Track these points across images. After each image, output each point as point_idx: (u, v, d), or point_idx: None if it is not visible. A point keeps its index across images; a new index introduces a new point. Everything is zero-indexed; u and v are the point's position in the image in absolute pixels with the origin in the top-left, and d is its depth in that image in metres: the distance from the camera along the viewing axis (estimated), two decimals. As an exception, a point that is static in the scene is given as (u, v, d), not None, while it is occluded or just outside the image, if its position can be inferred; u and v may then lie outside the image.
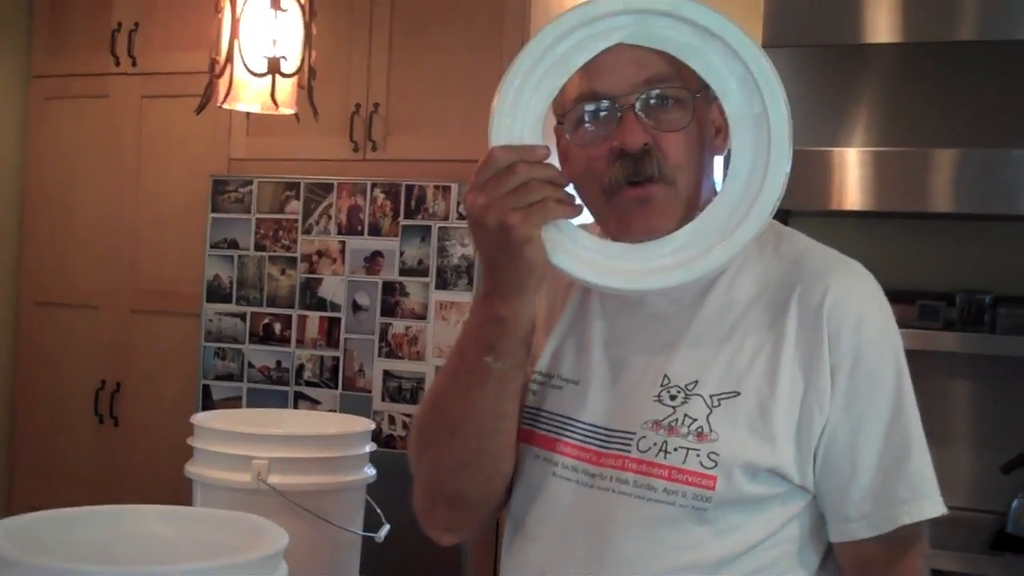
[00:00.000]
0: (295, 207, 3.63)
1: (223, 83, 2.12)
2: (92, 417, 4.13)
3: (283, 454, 2.15)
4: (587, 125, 1.43)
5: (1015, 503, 3.15)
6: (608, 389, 1.48)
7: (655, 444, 1.41)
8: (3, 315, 4.34)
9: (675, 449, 1.40)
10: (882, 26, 3.51)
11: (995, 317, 3.41)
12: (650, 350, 1.47)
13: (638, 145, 1.40)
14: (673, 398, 1.43)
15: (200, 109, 2.23)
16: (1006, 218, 3.40)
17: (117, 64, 4.09)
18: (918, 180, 3.22)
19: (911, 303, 3.45)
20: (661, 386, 1.44)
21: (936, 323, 3.43)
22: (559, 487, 1.48)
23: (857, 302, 1.43)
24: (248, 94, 2.14)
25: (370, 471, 2.34)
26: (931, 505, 1.44)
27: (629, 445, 1.43)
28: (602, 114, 1.42)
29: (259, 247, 3.68)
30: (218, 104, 2.19)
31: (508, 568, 1.56)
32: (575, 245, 1.39)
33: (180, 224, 3.99)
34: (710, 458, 1.39)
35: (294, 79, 2.14)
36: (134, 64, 4.08)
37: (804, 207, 3.36)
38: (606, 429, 1.46)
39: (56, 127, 4.26)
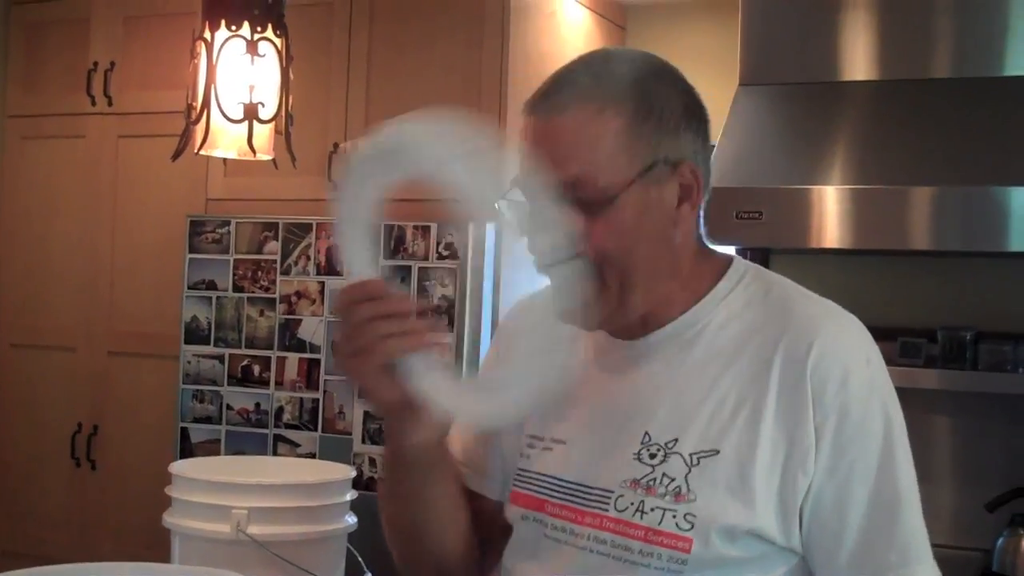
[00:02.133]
0: (274, 247, 3.61)
1: (199, 129, 2.10)
2: (69, 460, 4.08)
3: (263, 503, 2.12)
4: None
5: (1000, 540, 3.14)
6: (591, 447, 1.46)
7: (632, 504, 1.39)
8: (-22, 358, 4.29)
9: (652, 509, 1.38)
10: (858, 64, 3.52)
11: (976, 353, 3.41)
12: (634, 406, 1.45)
13: (544, 247, 1.38)
14: (652, 456, 1.40)
15: (176, 156, 2.21)
16: (987, 255, 3.41)
17: (93, 104, 4.08)
18: (897, 217, 3.23)
19: (892, 340, 3.44)
20: (641, 443, 1.41)
21: (918, 359, 3.43)
22: (547, 548, 1.47)
23: (844, 356, 1.39)
24: (225, 140, 2.13)
25: (351, 519, 2.31)
26: (922, 571, 1.38)
27: (607, 504, 1.41)
28: (515, 205, 1.40)
29: (237, 288, 3.66)
30: (195, 151, 2.18)
31: None
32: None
33: (157, 264, 3.96)
34: (686, 519, 1.36)
35: (271, 124, 2.12)
36: (110, 104, 4.06)
37: (784, 245, 3.36)
38: (586, 487, 1.44)
39: (32, 166, 4.23)
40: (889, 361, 3.75)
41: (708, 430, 1.38)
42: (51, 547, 3.96)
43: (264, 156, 2.18)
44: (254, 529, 2.04)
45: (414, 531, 1.55)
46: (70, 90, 4.11)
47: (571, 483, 1.46)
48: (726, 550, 1.35)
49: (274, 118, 2.11)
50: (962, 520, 3.47)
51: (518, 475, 1.53)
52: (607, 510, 1.41)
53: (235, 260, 3.67)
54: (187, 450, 3.68)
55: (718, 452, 1.37)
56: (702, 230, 1.49)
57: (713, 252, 1.51)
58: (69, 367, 4.12)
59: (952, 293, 3.58)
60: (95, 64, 4.06)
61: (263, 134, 2.11)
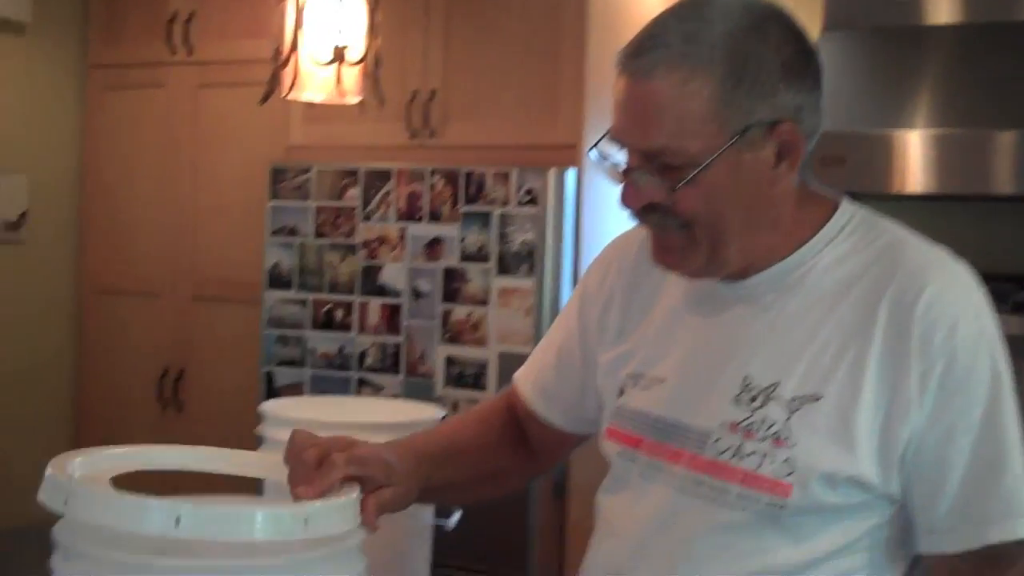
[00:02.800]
0: (354, 194, 3.64)
1: (288, 73, 2.11)
2: (155, 403, 4.17)
3: None
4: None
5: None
6: (690, 387, 1.46)
7: (730, 447, 1.39)
8: (66, 304, 4.38)
9: (750, 453, 1.37)
10: (942, 7, 3.48)
11: (1064, 299, 3.38)
12: (733, 348, 1.44)
13: (634, 208, 1.39)
14: (752, 400, 1.39)
15: (264, 100, 2.22)
16: (1073, 199, 3.36)
17: (173, 53, 4.12)
18: (981, 162, 3.20)
19: (977, 286, 3.42)
20: (741, 386, 1.41)
21: (1004, 306, 3.40)
22: (639, 485, 1.48)
23: (953, 305, 1.36)
24: (313, 84, 2.14)
25: (440, 459, 2.34)
26: None
27: (705, 445, 1.41)
28: (609, 162, 1.40)
29: (319, 234, 3.70)
30: (283, 95, 2.18)
31: (589, 560, 1.57)
32: None
33: (239, 212, 4.01)
34: (786, 465, 1.35)
35: (359, 68, 2.13)
36: (190, 53, 4.10)
37: (867, 190, 3.33)
38: (684, 427, 1.44)
39: (114, 117, 4.30)
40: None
41: (810, 375, 1.37)
42: (141, 488, 4.05)
43: (352, 99, 2.19)
44: None
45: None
46: (150, 40, 4.16)
47: (669, 422, 1.46)
48: (825, 496, 1.35)
49: (361, 60, 2.11)
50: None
51: (616, 412, 1.53)
52: (704, 451, 1.41)
53: (316, 207, 3.70)
54: (272, 393, 3.74)
55: (820, 398, 1.36)
56: (808, 174, 1.46)
57: (820, 194, 1.48)
58: (154, 313, 4.20)
59: (1039, 238, 3.54)
60: (175, 14, 4.10)
61: (352, 76, 2.12)
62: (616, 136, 1.39)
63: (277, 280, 3.76)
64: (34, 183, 4.27)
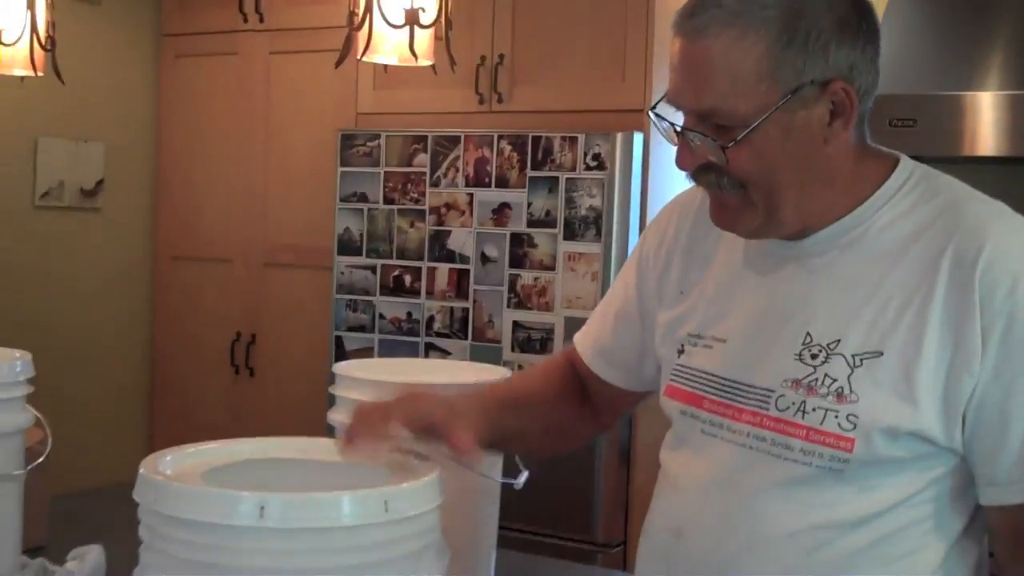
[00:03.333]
0: (423, 160, 3.67)
1: (362, 36, 2.14)
2: (228, 368, 4.24)
3: None
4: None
5: None
6: (751, 346, 1.48)
7: (793, 403, 1.41)
8: (141, 270, 4.47)
9: (813, 409, 1.39)
10: (1017, -35, 3.44)
11: None
12: (794, 306, 1.46)
13: (688, 169, 1.41)
14: (814, 357, 1.41)
15: (340, 62, 2.25)
16: None
17: (245, 21, 4.16)
18: (1055, 124, 3.16)
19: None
20: (802, 344, 1.43)
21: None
22: (701, 441, 1.51)
23: (1014, 262, 1.36)
24: (386, 46, 2.16)
25: (508, 420, 2.37)
26: None
27: (768, 403, 1.43)
28: (666, 122, 1.42)
29: (388, 200, 3.73)
30: (357, 57, 2.21)
31: (653, 514, 1.60)
32: None
33: (309, 179, 4.05)
34: (849, 420, 1.37)
35: (431, 30, 2.16)
36: (261, 20, 4.14)
37: (938, 153, 3.30)
38: (747, 385, 1.47)
39: (186, 84, 4.36)
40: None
41: (871, 332, 1.39)
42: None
43: (425, 62, 2.22)
44: None
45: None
46: (222, 8, 4.21)
47: (730, 380, 1.48)
48: (888, 450, 1.37)
49: (434, 23, 2.14)
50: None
51: (676, 370, 1.56)
52: (767, 409, 1.43)
53: (385, 173, 3.74)
54: (342, 357, 3.79)
55: (882, 354, 1.37)
56: (866, 132, 1.47)
57: (879, 152, 1.49)
58: (226, 279, 4.27)
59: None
60: (246, -19, 4.15)
61: (424, 39, 2.15)
62: (671, 98, 1.41)
63: (347, 246, 3.80)
64: (110, 151, 4.35)
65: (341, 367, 2.32)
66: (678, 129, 1.41)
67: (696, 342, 1.54)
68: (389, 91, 3.82)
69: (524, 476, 1.96)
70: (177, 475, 1.30)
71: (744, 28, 1.34)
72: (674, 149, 1.45)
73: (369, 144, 3.76)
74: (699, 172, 1.42)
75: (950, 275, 1.36)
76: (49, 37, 2.79)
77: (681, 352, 1.56)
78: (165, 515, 1.20)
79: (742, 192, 1.40)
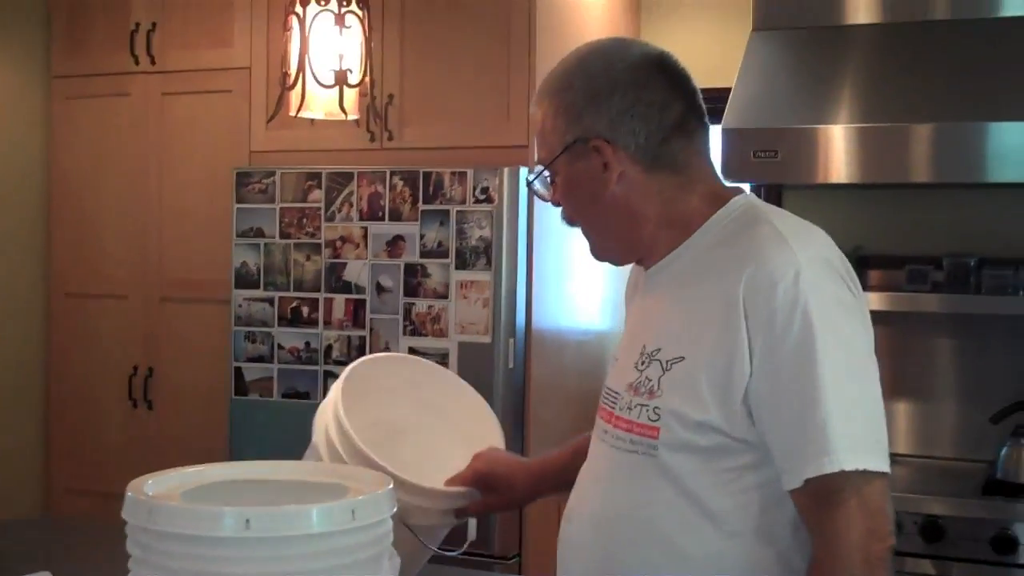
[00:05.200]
0: (317, 196, 3.84)
1: (295, 94, 2.34)
2: (126, 401, 4.33)
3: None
4: None
5: (1004, 450, 3.39)
6: (622, 359, 1.81)
7: (627, 403, 1.72)
8: (35, 307, 4.52)
9: (635, 406, 1.70)
10: (862, 8, 3.74)
11: (980, 279, 3.65)
12: (642, 324, 1.80)
13: (549, 202, 1.82)
14: (644, 364, 1.71)
15: (271, 118, 2.51)
16: (986, 186, 3.63)
17: (136, 63, 4.27)
18: (901, 153, 3.44)
19: (900, 267, 3.68)
20: (639, 354, 1.73)
21: (924, 285, 3.67)
22: (593, 444, 1.85)
23: (772, 272, 1.59)
24: (316, 103, 2.37)
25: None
26: (834, 461, 1.53)
27: (616, 404, 1.75)
28: None
29: (284, 235, 3.89)
30: (291, 114, 2.42)
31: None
32: None
33: (205, 215, 4.18)
34: (655, 412, 1.67)
35: (357, 89, 2.36)
36: (153, 63, 4.26)
37: (796, 181, 3.58)
38: (614, 392, 1.78)
39: (79, 125, 4.44)
40: (897, 288, 4.04)
41: (680, 340, 1.68)
42: (112, 483, 4.19)
43: (353, 116, 2.43)
44: None
45: None
46: (113, 50, 4.30)
47: (609, 389, 1.82)
48: (686, 435, 1.64)
49: (360, 83, 2.34)
50: (968, 434, 3.73)
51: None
52: (615, 409, 1.76)
53: (281, 208, 3.89)
54: (241, 387, 3.93)
55: (683, 359, 1.66)
56: (706, 171, 1.79)
57: (718, 192, 1.78)
58: (123, 314, 4.35)
59: (956, 223, 3.81)
60: (137, 25, 4.25)
61: (351, 97, 2.35)
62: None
63: (244, 279, 3.95)
64: (0, 192, 4.41)
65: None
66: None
67: (612, 364, 1.87)
68: (281, 130, 3.95)
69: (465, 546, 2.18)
70: (160, 496, 1.46)
71: (540, 96, 1.80)
72: None
73: (264, 181, 3.91)
74: (562, 213, 1.83)
75: (729, 291, 1.62)
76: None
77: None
78: (158, 531, 1.37)
79: (579, 228, 1.81)
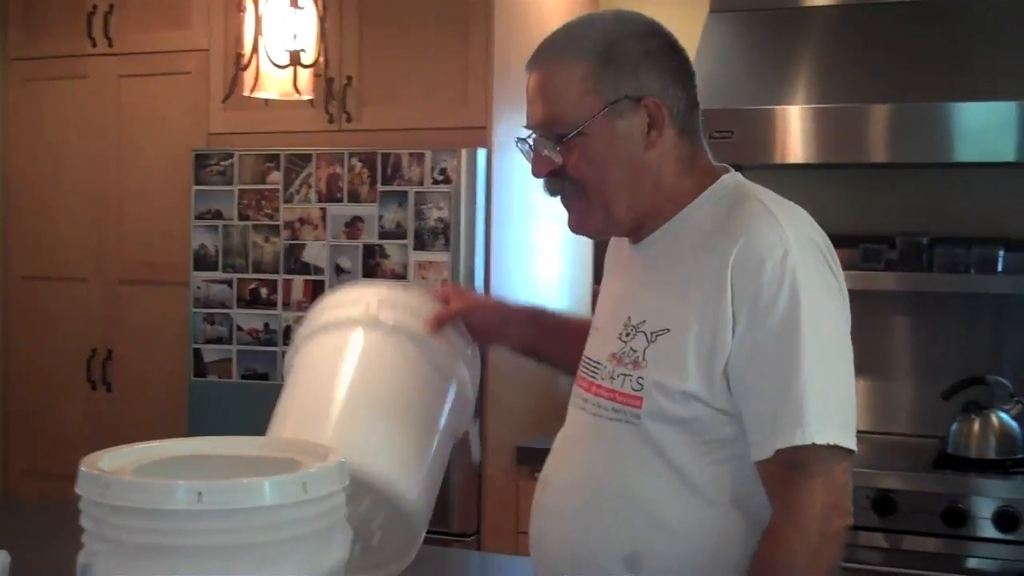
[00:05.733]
0: (276, 177, 3.84)
1: (249, 75, 2.34)
2: (85, 384, 4.32)
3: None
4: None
5: (954, 426, 3.45)
6: (602, 330, 1.83)
7: (610, 373, 1.75)
8: (-10, 291, 4.50)
9: (618, 376, 1.73)
10: (819, -10, 3.78)
11: (932, 256, 3.70)
12: (625, 296, 1.82)
13: (540, 175, 1.76)
14: (628, 336, 1.75)
15: (226, 98, 2.50)
16: (939, 166, 3.68)
17: (94, 45, 4.25)
18: (856, 133, 3.49)
19: (854, 246, 3.72)
20: (623, 326, 1.76)
21: (878, 264, 3.72)
22: (570, 412, 1.88)
23: (760, 249, 1.64)
24: (270, 84, 2.37)
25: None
26: (815, 433, 1.58)
27: (597, 374, 1.78)
28: (526, 143, 1.79)
29: (243, 216, 3.89)
30: (245, 94, 2.43)
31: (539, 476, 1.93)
32: None
33: (164, 197, 4.17)
34: (639, 382, 1.70)
35: (311, 69, 2.37)
36: (110, 45, 4.24)
37: (751, 162, 3.61)
38: (593, 362, 1.81)
39: (36, 108, 4.42)
40: (851, 266, 4.07)
41: (664, 314, 1.71)
42: (71, 465, 4.19)
43: (307, 97, 2.44)
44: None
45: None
46: (71, 32, 4.28)
47: (588, 359, 1.84)
48: (668, 406, 1.68)
49: (313, 63, 2.35)
50: (921, 410, 3.79)
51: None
52: (596, 378, 1.78)
53: (239, 190, 3.89)
54: (200, 369, 3.93)
55: (669, 331, 1.69)
56: (703, 149, 1.80)
57: (709, 168, 1.81)
58: (81, 296, 4.34)
59: (909, 202, 3.86)
60: (94, 7, 4.23)
61: (304, 77, 2.36)
62: (527, 123, 1.78)
63: (203, 261, 3.95)
64: (-43, 174, 4.38)
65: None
66: (531, 144, 1.76)
67: (591, 334, 1.89)
68: (240, 112, 3.94)
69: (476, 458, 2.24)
70: (113, 471, 1.48)
71: (570, 55, 1.73)
72: (519, 163, 1.84)
73: (223, 163, 3.91)
74: (550, 181, 1.76)
75: (716, 266, 1.67)
76: None
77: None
78: (111, 505, 1.38)
79: (583, 195, 1.74)
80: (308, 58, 2.33)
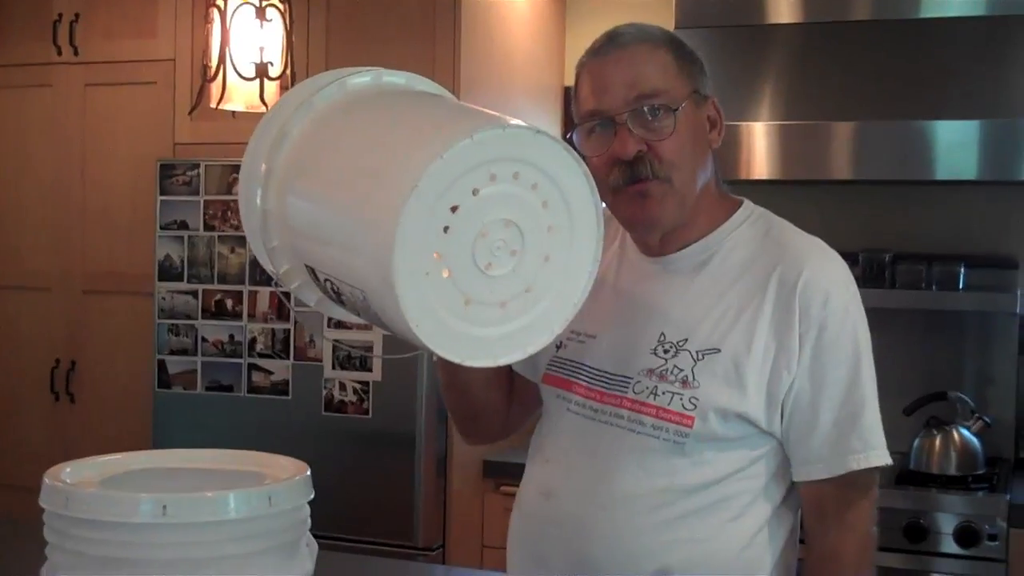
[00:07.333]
0: (242, 189, 3.82)
1: (216, 87, 2.34)
2: (48, 395, 4.29)
3: None
4: (594, 135, 1.75)
5: (917, 441, 3.48)
6: (615, 341, 1.82)
7: (647, 388, 1.75)
8: (-47, 300, 4.46)
9: (663, 393, 1.73)
10: (784, 7, 3.79)
11: (895, 273, 3.73)
12: (652, 311, 1.81)
13: (630, 155, 1.72)
14: (666, 351, 1.76)
15: (192, 110, 2.48)
16: (902, 183, 3.71)
17: (59, 54, 4.23)
18: (820, 150, 3.52)
19: (818, 263, 3.74)
20: (657, 341, 1.77)
21: (841, 280, 3.73)
22: (570, 419, 1.84)
23: (826, 282, 1.74)
24: (237, 96, 2.38)
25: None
26: (877, 456, 1.74)
27: (626, 388, 1.77)
28: (602, 128, 1.74)
29: (208, 227, 3.87)
30: (212, 105, 2.42)
31: (525, 484, 1.92)
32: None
33: (129, 208, 4.15)
34: (691, 402, 1.71)
35: (277, 81, 2.38)
36: (76, 53, 4.22)
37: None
38: (610, 374, 1.80)
39: (-1, 116, 4.40)
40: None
41: (712, 333, 1.74)
42: (34, 478, 4.15)
43: (274, 108, 2.44)
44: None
45: (458, 405, 2.00)
46: (36, 41, 4.25)
47: (598, 370, 1.82)
48: (720, 428, 1.71)
49: (280, 76, 2.35)
50: (884, 426, 3.80)
51: (552, 361, 1.89)
52: (626, 392, 1.77)
53: (205, 201, 3.88)
54: (164, 380, 3.91)
55: (719, 351, 1.72)
56: (720, 176, 1.86)
57: (727, 194, 1.88)
58: (44, 306, 4.31)
59: (872, 219, 3.89)
60: (60, 15, 4.21)
61: (271, 89, 2.36)
62: (598, 107, 1.74)
63: (168, 272, 3.93)
64: (-81, 182, 4.35)
65: None
66: (618, 123, 1.71)
67: (573, 337, 1.85)
68: (206, 122, 3.91)
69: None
70: (77, 484, 1.47)
71: (652, 44, 1.75)
72: None
73: (188, 173, 3.90)
74: (636, 163, 1.71)
75: (776, 292, 1.73)
76: None
77: (559, 347, 1.87)
78: (75, 518, 1.38)
79: (665, 180, 1.72)
80: (275, 71, 2.34)
